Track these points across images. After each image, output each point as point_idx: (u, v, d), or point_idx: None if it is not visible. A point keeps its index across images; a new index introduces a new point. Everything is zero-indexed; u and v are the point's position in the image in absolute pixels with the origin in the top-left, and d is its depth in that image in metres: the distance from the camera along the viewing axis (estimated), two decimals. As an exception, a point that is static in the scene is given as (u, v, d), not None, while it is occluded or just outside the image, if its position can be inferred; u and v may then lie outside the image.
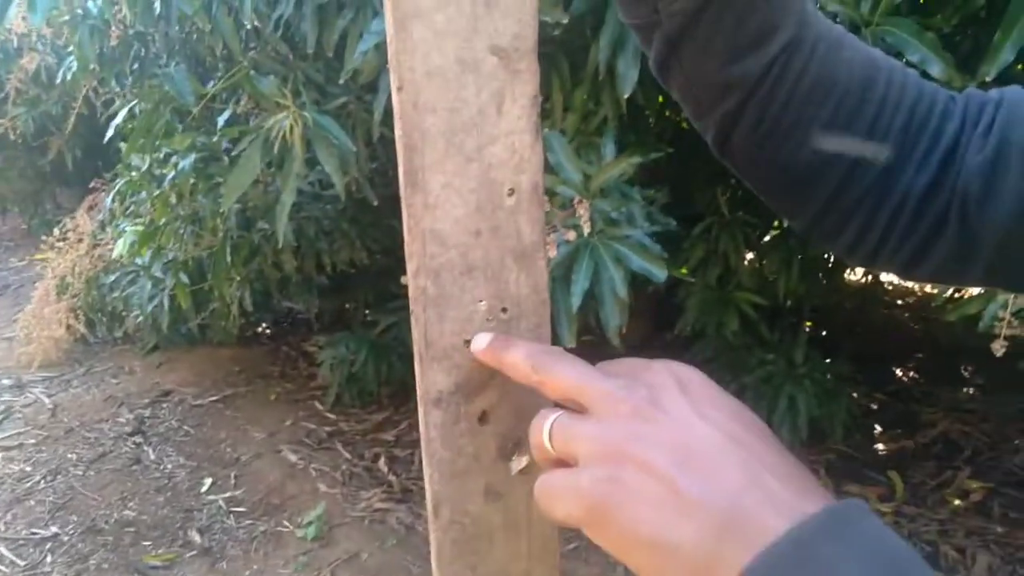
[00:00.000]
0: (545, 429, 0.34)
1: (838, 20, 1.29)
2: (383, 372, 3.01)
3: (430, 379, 0.40)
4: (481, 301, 0.40)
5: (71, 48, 2.54)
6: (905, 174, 0.46)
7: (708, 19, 0.45)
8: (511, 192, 0.39)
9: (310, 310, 3.49)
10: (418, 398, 0.41)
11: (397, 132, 0.38)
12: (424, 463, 0.42)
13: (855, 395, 2.70)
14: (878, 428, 2.86)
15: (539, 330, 0.42)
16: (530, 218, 0.40)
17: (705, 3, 0.45)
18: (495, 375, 0.41)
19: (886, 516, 2.32)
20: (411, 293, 0.39)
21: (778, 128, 0.47)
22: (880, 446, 2.75)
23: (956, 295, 2.25)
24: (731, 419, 0.32)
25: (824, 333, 3.40)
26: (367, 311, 3.29)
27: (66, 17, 2.36)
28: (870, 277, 3.21)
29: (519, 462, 0.42)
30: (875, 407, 2.99)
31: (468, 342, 0.40)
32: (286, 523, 2.38)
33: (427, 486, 0.42)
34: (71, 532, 2.34)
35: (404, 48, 0.36)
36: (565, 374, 0.35)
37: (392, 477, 2.58)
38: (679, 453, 0.30)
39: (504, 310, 0.41)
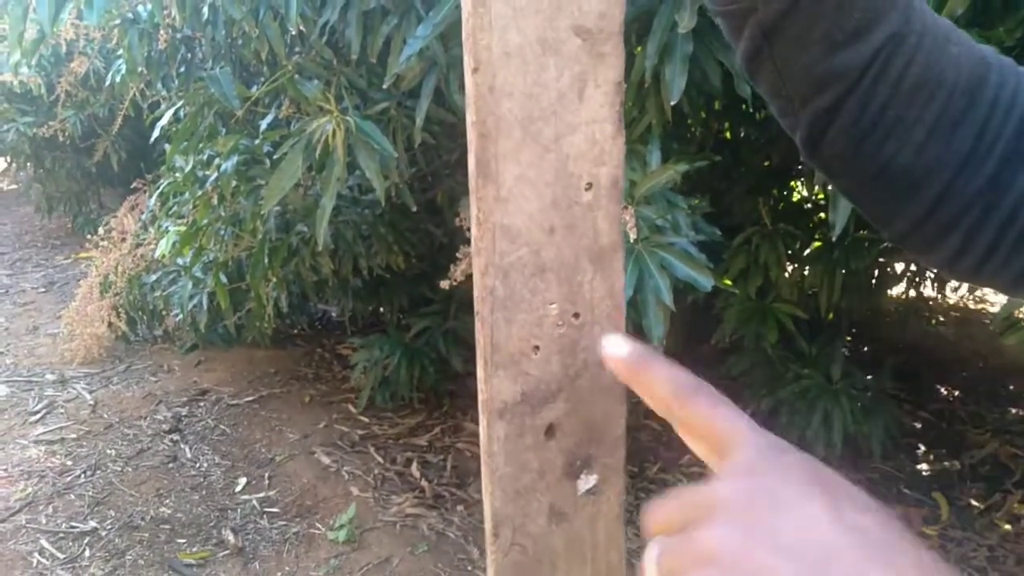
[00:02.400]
0: (651, 563, 0.29)
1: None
2: (415, 376, 3.02)
3: (495, 387, 0.37)
4: (552, 304, 0.37)
5: (119, 52, 2.59)
6: (1017, 182, 0.43)
7: (808, 5, 0.41)
8: (589, 186, 0.36)
9: (344, 313, 3.52)
10: (480, 407, 0.38)
11: (470, 118, 0.35)
12: (484, 478, 0.39)
13: (896, 413, 2.63)
14: (921, 448, 2.79)
15: None
16: (608, 215, 0.37)
17: None
18: (564, 385, 0.38)
19: (931, 539, 2.25)
20: (477, 293, 0.36)
21: (878, 128, 0.44)
22: (923, 466, 2.67)
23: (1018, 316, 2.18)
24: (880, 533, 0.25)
25: (865, 348, 3.33)
26: (401, 315, 3.30)
27: (117, 21, 2.41)
28: (913, 292, 3.13)
29: (587, 481, 0.39)
30: (918, 426, 2.91)
31: (537, 348, 0.37)
32: (318, 525, 2.38)
33: (486, 504, 0.39)
34: (109, 527, 2.38)
35: (481, 25, 0.33)
36: (714, 416, 0.31)
37: (424, 483, 2.58)
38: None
39: (576, 315, 0.38)
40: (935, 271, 2.79)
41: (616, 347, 0.35)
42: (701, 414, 0.32)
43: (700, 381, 0.33)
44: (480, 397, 0.38)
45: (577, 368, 0.38)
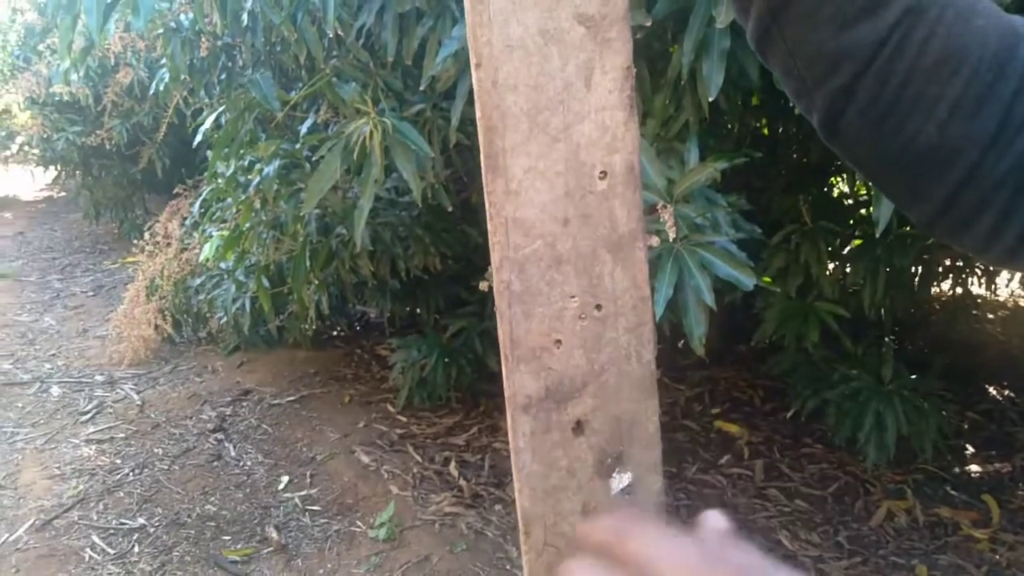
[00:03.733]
0: None
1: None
2: (452, 376, 3.04)
3: (517, 382, 0.37)
4: (572, 297, 0.36)
5: (163, 61, 2.66)
6: None
7: None
8: (603, 175, 0.35)
9: (383, 314, 3.56)
10: (506, 402, 0.37)
11: (477, 113, 0.35)
12: (514, 476, 0.38)
13: (944, 413, 2.56)
14: (970, 449, 2.71)
15: (640, 331, 0.37)
16: (625, 203, 0.36)
17: None
18: (590, 380, 0.37)
19: (981, 543, 2.19)
20: (496, 287, 0.36)
21: (898, 106, 0.41)
22: (973, 468, 2.60)
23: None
24: None
25: (910, 347, 3.25)
26: (438, 316, 3.33)
27: (160, 30, 2.48)
28: (959, 290, 3.05)
29: (620, 480, 0.38)
30: (966, 427, 2.84)
31: (559, 342, 0.36)
32: (359, 523, 2.42)
33: (517, 502, 0.39)
34: (157, 524, 2.44)
35: (481, 21, 0.33)
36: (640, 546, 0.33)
37: (463, 482, 2.60)
38: None
39: (599, 307, 0.37)
40: (983, 264, 2.71)
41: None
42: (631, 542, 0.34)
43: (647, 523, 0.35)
44: (505, 392, 0.37)
45: (603, 362, 0.37)
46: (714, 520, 0.36)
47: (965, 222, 0.43)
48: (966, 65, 0.40)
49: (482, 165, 0.35)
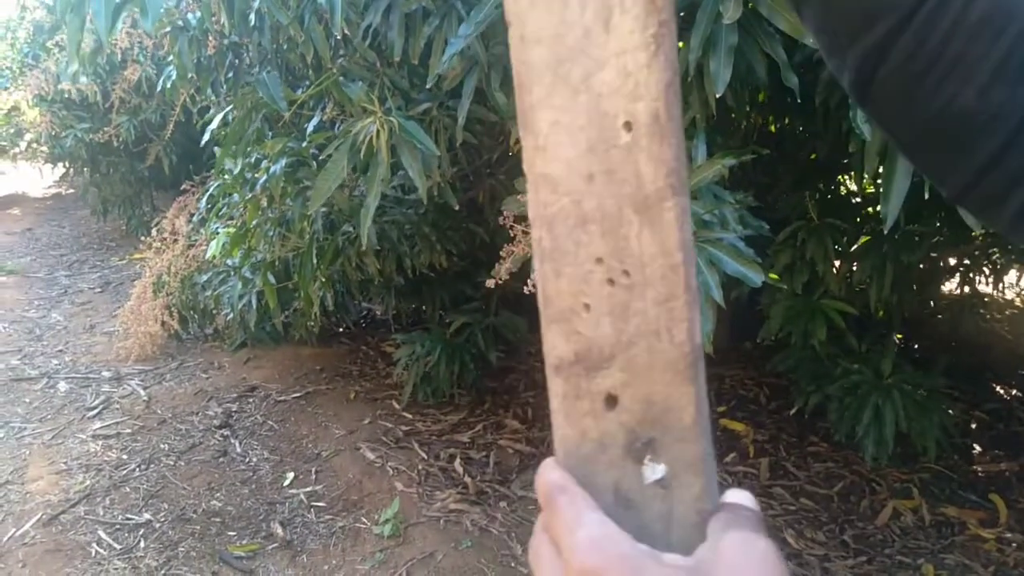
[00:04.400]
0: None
1: None
2: (456, 372, 3.05)
3: (550, 342, 0.36)
4: (599, 260, 0.34)
5: (170, 59, 2.67)
6: None
7: None
8: (627, 126, 0.33)
9: (388, 311, 3.57)
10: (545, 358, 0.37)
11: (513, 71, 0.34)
12: (553, 435, 0.38)
13: (951, 412, 2.56)
14: (977, 448, 2.70)
15: (671, 305, 0.34)
16: (651, 157, 0.33)
17: None
18: (618, 352, 0.35)
19: (988, 543, 2.18)
20: (533, 243, 0.35)
21: (935, 67, 0.39)
22: (979, 467, 2.59)
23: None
24: None
25: (916, 345, 3.24)
26: (443, 312, 3.33)
27: (167, 28, 2.49)
28: (967, 288, 3.03)
29: (653, 470, 0.35)
30: (973, 426, 2.83)
31: (588, 306, 0.35)
32: (364, 520, 2.42)
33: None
34: (162, 519, 2.45)
35: None
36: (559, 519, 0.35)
37: (467, 479, 2.60)
38: None
39: (626, 273, 0.34)
40: (1017, 244, 2.69)
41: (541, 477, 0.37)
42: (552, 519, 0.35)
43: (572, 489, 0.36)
44: (544, 350, 0.37)
45: (630, 335, 0.35)
46: (735, 499, 0.35)
47: (999, 196, 0.40)
48: (1013, 25, 0.37)
49: (518, 123, 0.35)
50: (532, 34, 0.33)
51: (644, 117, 0.32)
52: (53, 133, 5.51)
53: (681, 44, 1.50)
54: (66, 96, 5.06)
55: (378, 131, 1.65)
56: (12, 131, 6.54)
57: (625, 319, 0.34)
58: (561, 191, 0.34)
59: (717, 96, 1.29)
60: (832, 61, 0.44)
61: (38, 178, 8.58)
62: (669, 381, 0.34)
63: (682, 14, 1.37)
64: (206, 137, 2.59)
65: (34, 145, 6.58)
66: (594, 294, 0.34)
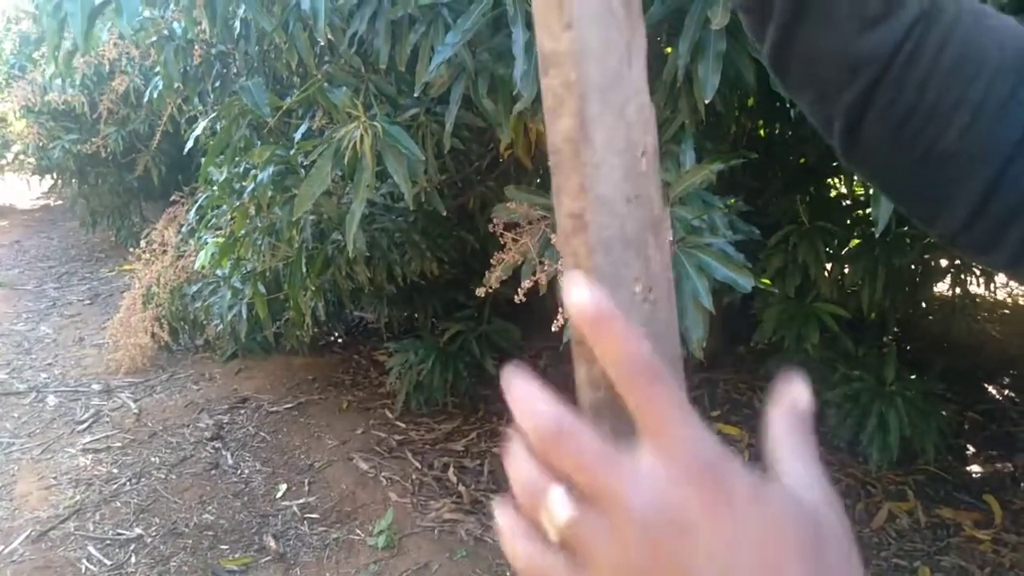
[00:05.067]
0: (560, 516, 0.28)
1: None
2: (449, 381, 3.03)
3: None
4: (637, 280, 0.36)
5: (157, 69, 2.65)
6: None
7: None
8: (643, 154, 0.36)
9: (380, 319, 3.55)
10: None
11: (566, 76, 0.35)
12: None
13: (945, 413, 2.55)
14: (971, 449, 2.70)
15: (671, 317, 0.37)
16: (657, 184, 0.37)
17: None
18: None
19: (984, 544, 2.18)
20: (588, 268, 0.35)
21: (916, 112, 0.41)
22: (974, 468, 2.59)
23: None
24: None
25: (908, 347, 3.24)
26: (435, 320, 3.32)
27: (153, 38, 2.47)
28: (958, 289, 3.04)
29: None
30: (967, 426, 2.83)
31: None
32: (357, 531, 2.40)
33: None
34: (154, 534, 2.43)
35: None
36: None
37: (462, 488, 2.58)
38: None
39: (651, 290, 0.36)
40: (1016, 282, 2.69)
41: (579, 294, 0.30)
42: (648, 402, 0.28)
43: (660, 367, 0.29)
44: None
45: (654, 346, 0.36)
46: (793, 395, 0.31)
47: (992, 235, 0.41)
48: (986, 69, 0.40)
49: (568, 134, 0.35)
50: (590, 50, 0.35)
51: (652, 148, 0.36)
52: (40, 144, 5.47)
53: (669, 50, 1.49)
54: (53, 107, 5.03)
55: (362, 136, 1.63)
56: (-1, 143, 6.50)
57: (653, 332, 0.37)
58: (613, 213, 0.36)
59: (706, 102, 1.28)
60: (819, 116, 0.46)
61: (26, 190, 8.52)
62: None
63: (666, 24, 1.37)
64: (190, 144, 2.57)
65: (21, 157, 6.53)
66: (634, 315, 0.36)
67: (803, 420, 0.31)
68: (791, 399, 0.31)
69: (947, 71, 0.40)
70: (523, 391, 0.29)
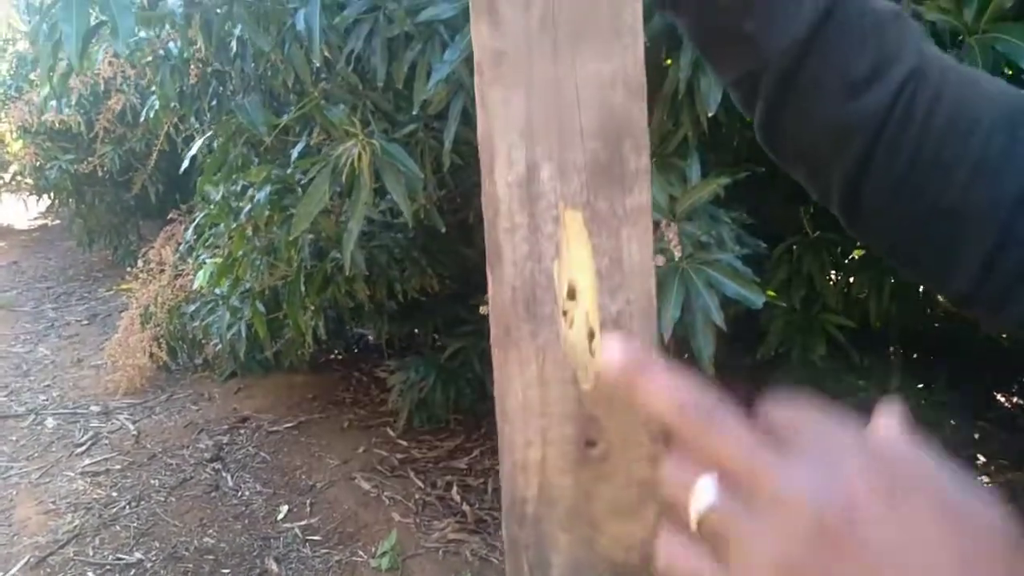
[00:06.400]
0: (702, 503, 0.27)
1: (937, 29, 1.20)
2: (451, 398, 3.00)
3: None
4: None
5: (153, 88, 2.64)
6: None
7: (819, 52, 0.41)
8: None
9: (381, 336, 3.52)
10: None
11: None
12: None
13: (953, 422, 2.53)
14: (981, 458, 2.67)
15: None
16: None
17: (814, 33, 0.40)
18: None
19: (998, 557, 2.14)
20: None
21: (915, 172, 0.41)
22: (985, 478, 2.55)
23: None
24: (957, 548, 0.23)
25: (915, 356, 3.21)
26: (436, 336, 3.29)
27: (149, 58, 2.46)
28: (964, 295, 3.02)
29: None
30: (977, 436, 2.80)
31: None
32: (360, 552, 2.36)
33: None
34: (154, 558, 2.39)
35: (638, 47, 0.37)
36: (728, 437, 0.27)
37: (465, 507, 2.55)
38: None
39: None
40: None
41: (612, 353, 0.29)
42: (713, 431, 0.27)
43: (715, 396, 0.28)
44: None
45: None
46: (888, 417, 0.30)
47: (1005, 295, 0.40)
48: (980, 125, 0.39)
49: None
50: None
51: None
52: (37, 164, 5.46)
53: (669, 62, 1.48)
54: (50, 127, 5.02)
55: (360, 154, 1.61)
56: (-4, 163, 6.49)
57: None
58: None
59: (710, 115, 1.26)
60: (816, 184, 0.46)
61: (23, 210, 8.50)
62: None
63: (666, 37, 1.35)
64: (186, 164, 2.55)
65: (18, 177, 6.52)
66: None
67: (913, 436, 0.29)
68: (887, 421, 0.30)
69: (941, 129, 0.40)
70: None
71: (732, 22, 0.42)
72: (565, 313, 0.35)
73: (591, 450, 0.35)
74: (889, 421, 0.30)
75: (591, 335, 0.34)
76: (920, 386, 2.54)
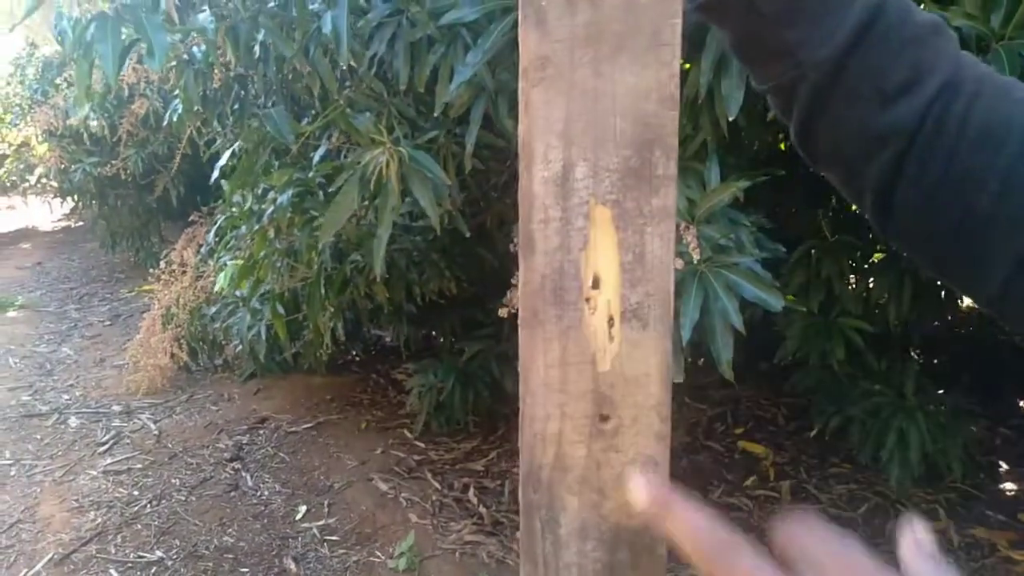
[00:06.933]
0: None
1: (963, 35, 1.20)
2: (470, 400, 3.01)
3: None
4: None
5: (177, 92, 2.68)
6: None
7: (857, 62, 0.42)
8: None
9: (399, 338, 3.54)
10: None
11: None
12: None
13: (974, 429, 2.50)
14: (1003, 466, 2.64)
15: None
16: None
17: (855, 43, 0.41)
18: None
19: (1021, 564, 2.12)
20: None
21: (947, 180, 0.42)
22: (1008, 485, 2.53)
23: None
24: None
25: (936, 361, 3.18)
26: (454, 339, 3.30)
27: (173, 63, 2.49)
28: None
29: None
30: (998, 442, 2.77)
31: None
32: (378, 553, 2.38)
33: None
34: (175, 557, 2.42)
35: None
36: (745, 570, 0.29)
37: (482, 509, 2.56)
38: None
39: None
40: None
41: (638, 490, 0.34)
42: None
43: (736, 535, 0.30)
44: None
45: None
46: (916, 534, 0.31)
47: None
48: (1012, 137, 0.40)
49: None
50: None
51: None
52: (62, 167, 5.55)
53: (688, 66, 1.48)
54: (75, 131, 5.11)
55: (388, 162, 1.63)
56: (22, 167, 6.60)
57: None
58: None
59: (730, 119, 1.26)
60: (850, 190, 0.47)
61: (48, 212, 8.65)
62: None
63: (686, 41, 1.35)
64: (216, 174, 2.59)
65: (43, 180, 6.63)
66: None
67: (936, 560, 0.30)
68: (914, 540, 0.31)
69: (973, 139, 0.41)
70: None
71: (774, 31, 0.43)
72: (588, 300, 0.38)
73: (604, 424, 0.39)
74: (915, 546, 0.31)
75: (611, 322, 0.38)
76: (940, 391, 2.51)
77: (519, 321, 0.39)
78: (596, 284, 0.37)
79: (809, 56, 0.43)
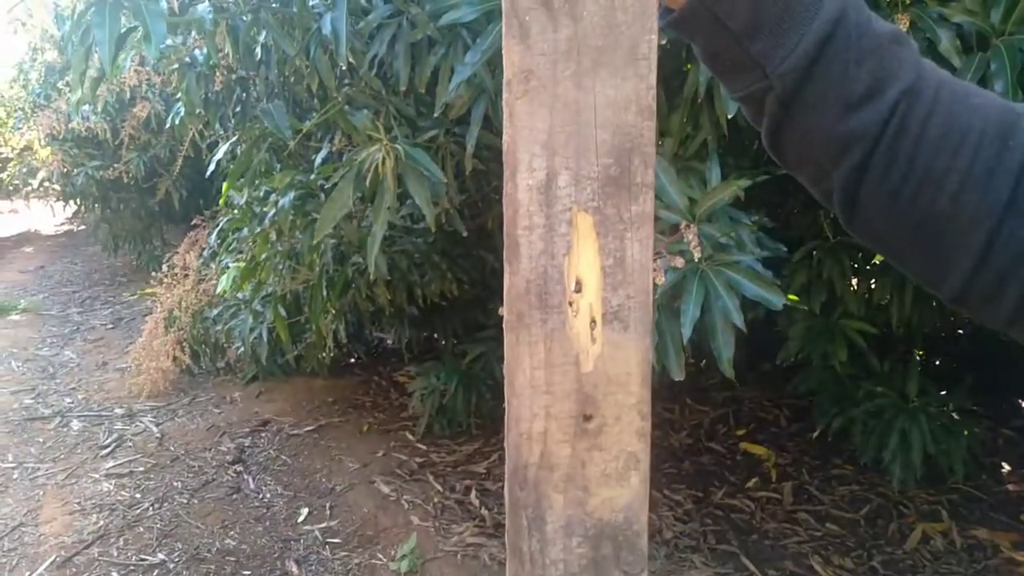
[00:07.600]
0: None
1: (964, 31, 1.20)
2: (472, 403, 3.01)
3: None
4: None
5: (179, 95, 2.69)
6: None
7: (820, 72, 0.44)
8: None
9: (400, 340, 3.54)
10: None
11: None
12: None
13: (977, 430, 2.49)
14: (1006, 467, 2.63)
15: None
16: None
17: (817, 55, 0.44)
18: None
19: (1022, 565, 2.11)
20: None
21: (909, 181, 0.44)
22: (1010, 486, 2.52)
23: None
24: None
25: (938, 363, 3.18)
26: (455, 341, 3.30)
27: (175, 65, 2.50)
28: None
29: None
30: (1001, 443, 2.76)
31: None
32: (380, 556, 2.37)
33: None
34: (177, 559, 2.42)
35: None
36: None
37: (484, 511, 2.55)
38: None
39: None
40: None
41: None
42: None
43: None
44: None
45: None
46: None
47: (992, 293, 0.44)
48: (970, 138, 0.43)
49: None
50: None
51: None
52: (64, 171, 5.56)
53: (688, 67, 1.48)
54: (77, 134, 5.12)
55: (383, 159, 1.63)
56: (25, 170, 6.61)
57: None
58: None
59: (729, 117, 1.26)
60: (818, 187, 0.50)
61: (50, 216, 8.67)
62: None
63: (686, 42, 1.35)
64: (212, 169, 2.59)
65: (46, 183, 6.64)
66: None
67: None
68: None
69: (934, 142, 0.44)
70: None
71: (741, 46, 0.46)
72: (571, 304, 0.39)
73: (587, 424, 0.40)
74: None
75: (593, 324, 0.39)
76: (943, 393, 2.50)
77: (504, 324, 0.40)
78: (579, 288, 0.39)
79: (774, 69, 0.45)
